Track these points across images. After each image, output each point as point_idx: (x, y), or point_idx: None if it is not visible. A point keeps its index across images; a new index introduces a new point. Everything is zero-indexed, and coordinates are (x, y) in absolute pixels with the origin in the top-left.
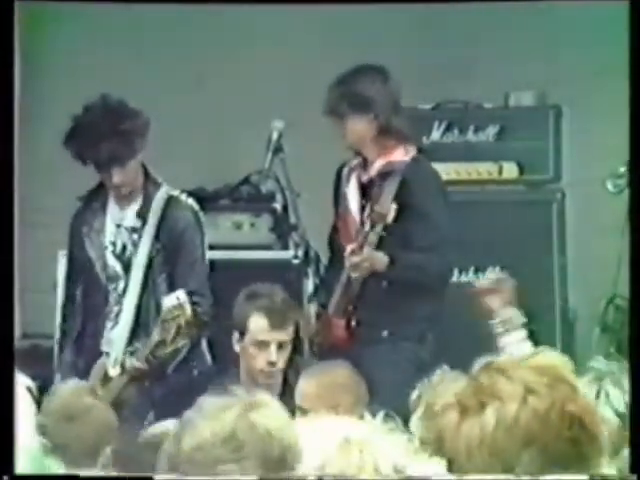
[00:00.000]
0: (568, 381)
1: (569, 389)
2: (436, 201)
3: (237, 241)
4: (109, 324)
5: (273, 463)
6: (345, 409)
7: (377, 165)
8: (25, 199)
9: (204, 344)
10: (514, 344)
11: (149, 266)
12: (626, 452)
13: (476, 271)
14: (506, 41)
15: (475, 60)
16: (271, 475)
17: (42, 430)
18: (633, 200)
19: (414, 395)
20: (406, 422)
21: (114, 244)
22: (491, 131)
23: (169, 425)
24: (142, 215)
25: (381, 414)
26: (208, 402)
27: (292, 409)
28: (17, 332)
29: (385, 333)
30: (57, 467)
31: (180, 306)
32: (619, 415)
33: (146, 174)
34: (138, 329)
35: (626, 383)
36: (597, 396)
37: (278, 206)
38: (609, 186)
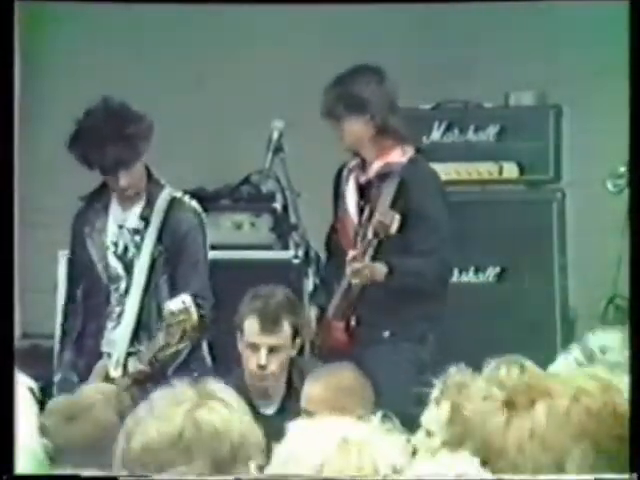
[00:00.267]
0: (619, 389)
1: (619, 394)
2: (435, 202)
3: (237, 241)
4: (110, 325)
5: (224, 461)
6: (351, 412)
7: (375, 166)
8: (25, 199)
9: (204, 346)
10: None
11: (151, 267)
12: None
13: (476, 271)
14: (506, 41)
15: (475, 60)
16: (224, 473)
17: (44, 431)
18: (633, 200)
19: (433, 394)
20: (406, 422)
21: (116, 245)
22: (491, 131)
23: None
24: (145, 217)
25: (379, 415)
26: (158, 398)
27: (297, 411)
28: (17, 332)
29: (386, 334)
30: (60, 468)
31: (186, 310)
32: None
33: (149, 175)
34: (140, 330)
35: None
36: None
37: (278, 206)
38: (609, 186)
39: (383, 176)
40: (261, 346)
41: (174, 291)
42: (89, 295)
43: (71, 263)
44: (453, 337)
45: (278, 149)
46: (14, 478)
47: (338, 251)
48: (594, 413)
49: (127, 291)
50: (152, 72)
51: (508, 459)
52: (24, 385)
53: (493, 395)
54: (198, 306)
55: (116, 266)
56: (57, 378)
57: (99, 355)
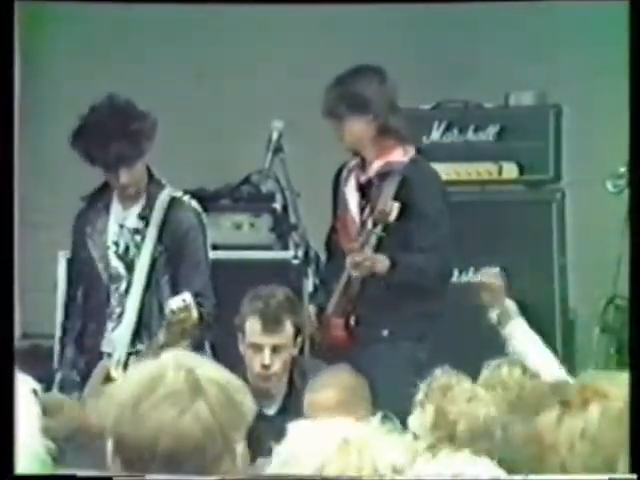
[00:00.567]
0: None
1: None
2: (435, 201)
3: (237, 241)
4: (111, 324)
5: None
6: (353, 414)
7: (376, 166)
8: (26, 199)
9: (207, 345)
10: (516, 333)
11: (152, 267)
12: None
13: (476, 271)
14: (506, 41)
15: (475, 60)
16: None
17: (47, 433)
18: (633, 200)
19: (418, 397)
20: (404, 422)
21: (117, 244)
22: (491, 131)
23: None
24: (144, 216)
25: (379, 415)
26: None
27: (298, 411)
28: (17, 332)
29: (385, 332)
30: (62, 469)
31: (186, 308)
32: None
33: (150, 175)
34: (141, 330)
35: None
36: None
37: (278, 206)
38: (609, 186)
39: (384, 175)
40: (264, 346)
41: (175, 291)
42: (90, 295)
43: (72, 263)
44: (452, 337)
45: (278, 149)
46: (14, 478)
47: (338, 251)
48: None
49: (128, 291)
50: (152, 72)
51: (559, 457)
52: (27, 386)
53: (479, 396)
54: (200, 305)
55: (117, 266)
56: (58, 378)
57: (100, 355)
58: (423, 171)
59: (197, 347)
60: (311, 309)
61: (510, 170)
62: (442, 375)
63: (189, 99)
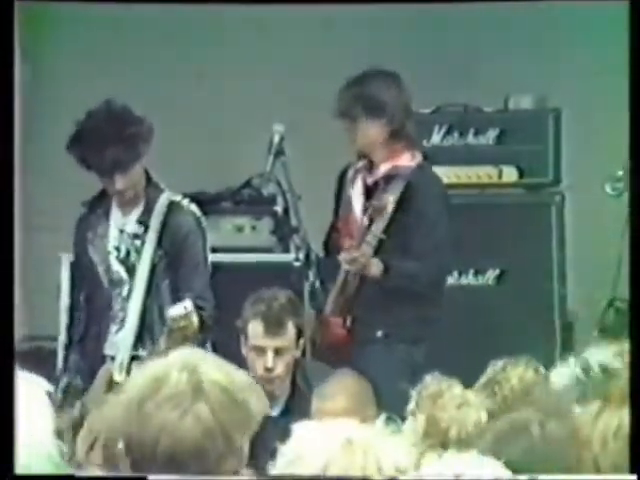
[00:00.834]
0: None
1: None
2: (437, 207)
3: (238, 244)
4: (114, 328)
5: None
6: (361, 417)
7: (383, 168)
8: (28, 201)
9: (208, 347)
10: None
11: (152, 271)
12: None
13: (476, 273)
14: (506, 43)
15: (475, 63)
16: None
17: (60, 434)
18: (633, 203)
19: (410, 406)
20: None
21: (118, 249)
22: (491, 134)
23: None
24: (143, 221)
25: (383, 417)
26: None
27: (302, 412)
28: (21, 334)
29: (379, 333)
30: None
31: (187, 316)
32: None
33: (148, 179)
34: (143, 333)
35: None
36: None
37: (279, 209)
38: (608, 189)
39: (390, 178)
40: (267, 349)
41: (176, 294)
42: (92, 299)
43: (74, 267)
44: (452, 339)
45: (279, 152)
46: (14, 478)
47: (337, 250)
48: None
49: (129, 295)
50: (152, 72)
51: (591, 452)
52: (41, 388)
53: (469, 401)
54: (200, 308)
55: (118, 270)
56: (62, 383)
57: (103, 358)
58: (428, 177)
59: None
60: (311, 311)
61: (510, 173)
62: (432, 382)
63: (190, 101)
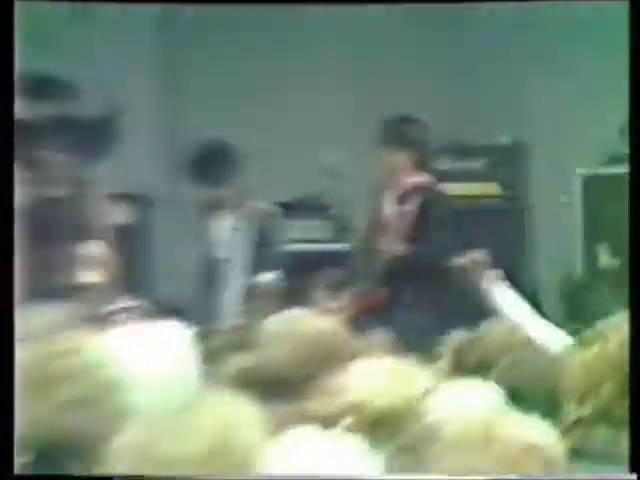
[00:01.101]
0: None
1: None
2: (447, 211)
3: (308, 237)
4: (224, 292)
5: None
6: None
7: (408, 184)
8: None
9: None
10: (505, 299)
11: (247, 255)
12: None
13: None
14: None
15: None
16: None
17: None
18: (633, 200)
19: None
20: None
21: (225, 238)
22: (480, 162)
23: None
24: (240, 220)
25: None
26: None
27: None
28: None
29: (409, 300)
30: None
31: (272, 283)
32: None
33: (241, 189)
34: (243, 300)
35: None
36: None
37: (336, 212)
38: (563, 199)
39: (413, 191)
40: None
41: (262, 270)
42: (208, 272)
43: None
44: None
45: (335, 172)
46: (14, 478)
47: (373, 244)
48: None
49: (233, 270)
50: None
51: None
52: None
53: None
54: (278, 282)
55: (227, 254)
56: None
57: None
58: (438, 190)
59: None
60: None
61: (492, 188)
62: (457, 335)
63: (270, 124)
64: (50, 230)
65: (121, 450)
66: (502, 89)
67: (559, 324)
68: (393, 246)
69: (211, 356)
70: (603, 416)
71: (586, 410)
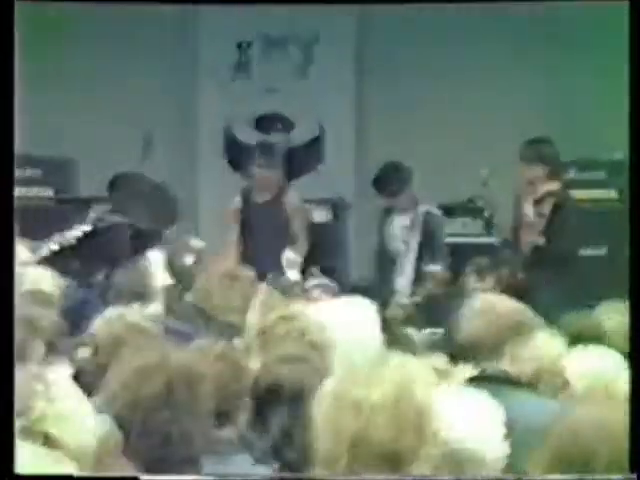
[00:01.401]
0: None
1: None
2: (575, 212)
3: (464, 232)
4: (400, 277)
5: None
6: None
7: (542, 190)
8: None
9: None
10: None
11: (417, 248)
12: None
13: None
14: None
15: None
16: None
17: None
18: (633, 202)
19: None
20: None
21: (398, 237)
22: (601, 172)
23: None
24: (412, 220)
25: None
26: None
27: None
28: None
29: (544, 282)
30: None
31: (438, 271)
32: None
33: (413, 197)
34: (415, 281)
35: None
36: None
37: (487, 214)
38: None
39: (547, 195)
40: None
41: (430, 260)
42: (387, 261)
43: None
44: None
45: (485, 183)
46: (14, 478)
47: (515, 238)
48: None
49: (407, 259)
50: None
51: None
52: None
53: None
54: (440, 269)
55: (402, 247)
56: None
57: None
58: (567, 196)
59: None
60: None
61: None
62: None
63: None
64: (258, 227)
65: (323, 395)
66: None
67: None
68: (532, 240)
69: (388, 326)
70: None
71: None
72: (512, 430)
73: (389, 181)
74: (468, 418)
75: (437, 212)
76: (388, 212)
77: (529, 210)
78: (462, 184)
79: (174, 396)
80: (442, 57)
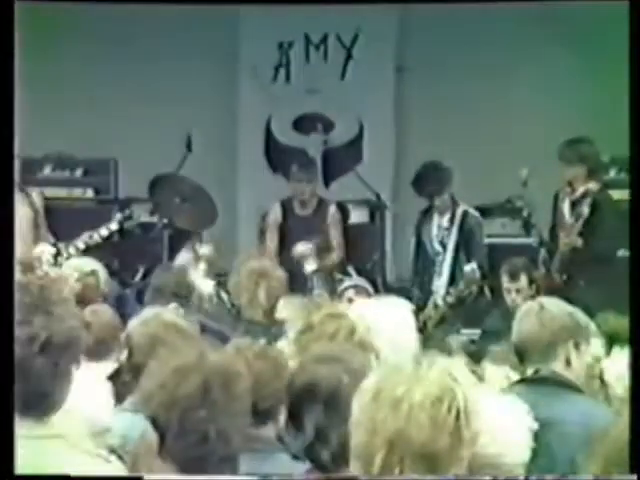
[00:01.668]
0: None
1: None
2: (613, 212)
3: (502, 232)
4: (437, 277)
5: None
6: None
7: (581, 190)
8: None
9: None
10: None
11: (455, 249)
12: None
13: None
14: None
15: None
16: None
17: None
18: (633, 202)
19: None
20: None
21: (437, 237)
22: None
23: None
24: (451, 221)
25: None
26: None
27: None
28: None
29: (581, 283)
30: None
31: (474, 272)
32: None
33: (453, 199)
34: (452, 282)
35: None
36: None
37: (525, 213)
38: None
39: (584, 195)
40: (511, 290)
41: (467, 260)
42: (425, 262)
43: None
44: None
45: (525, 184)
46: (14, 478)
47: (555, 239)
48: None
49: (444, 260)
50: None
51: None
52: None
53: None
54: (480, 267)
55: (439, 247)
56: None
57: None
58: (606, 195)
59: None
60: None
61: None
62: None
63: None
64: (298, 238)
65: (363, 393)
66: None
67: None
68: (569, 240)
69: (425, 326)
70: None
71: None
72: (562, 431)
73: (429, 181)
74: (494, 423)
75: (475, 213)
76: (427, 212)
77: (566, 210)
78: (501, 184)
79: (211, 395)
80: (482, 57)
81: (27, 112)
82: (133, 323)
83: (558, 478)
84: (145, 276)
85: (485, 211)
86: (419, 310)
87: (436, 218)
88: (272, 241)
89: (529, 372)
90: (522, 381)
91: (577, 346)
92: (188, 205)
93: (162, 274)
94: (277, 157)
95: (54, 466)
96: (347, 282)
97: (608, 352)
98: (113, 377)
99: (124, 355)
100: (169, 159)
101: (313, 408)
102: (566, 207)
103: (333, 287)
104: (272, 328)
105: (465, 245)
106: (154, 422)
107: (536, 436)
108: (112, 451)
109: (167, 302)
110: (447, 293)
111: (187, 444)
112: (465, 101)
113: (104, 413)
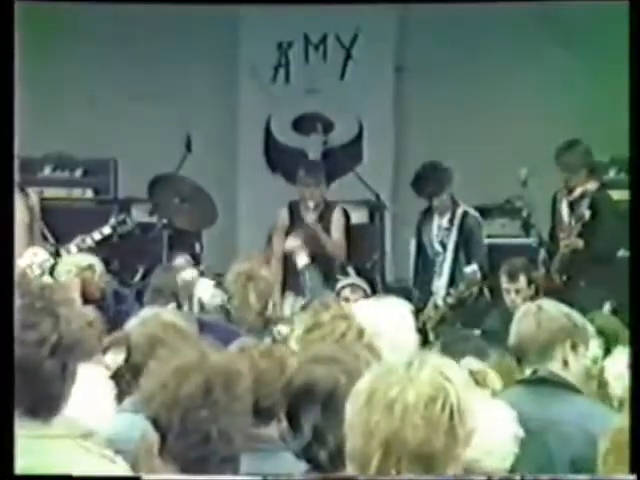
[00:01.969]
0: None
1: None
2: (613, 213)
3: (502, 233)
4: (437, 278)
5: None
6: None
7: (579, 191)
8: None
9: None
10: None
11: (455, 249)
12: None
13: None
14: None
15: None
16: None
17: None
18: (633, 201)
19: None
20: None
21: (438, 237)
22: None
23: None
24: (451, 221)
25: None
26: None
27: None
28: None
29: (582, 284)
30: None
31: (475, 273)
32: None
33: (452, 199)
34: (452, 283)
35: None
36: None
37: (525, 214)
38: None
39: (582, 196)
40: (511, 290)
41: (467, 261)
42: (425, 262)
43: (417, 247)
44: None
45: (524, 183)
46: (14, 478)
47: (554, 240)
48: None
49: (444, 260)
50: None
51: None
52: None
53: None
54: (481, 268)
55: (439, 248)
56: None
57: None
58: (605, 195)
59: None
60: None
61: None
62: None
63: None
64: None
65: (357, 394)
66: None
67: None
68: (569, 241)
69: (424, 326)
70: None
71: None
72: (560, 431)
73: (428, 182)
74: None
75: (475, 213)
76: (426, 213)
77: (565, 211)
78: (500, 184)
79: (213, 395)
80: (481, 57)
81: (27, 112)
82: (131, 323)
83: (553, 478)
84: (145, 276)
85: (485, 211)
86: (419, 311)
87: (436, 218)
88: (279, 245)
89: (527, 373)
90: (520, 382)
91: (574, 347)
92: (188, 205)
93: (162, 274)
94: (277, 157)
95: (59, 466)
96: (344, 281)
97: (606, 352)
98: (113, 377)
99: (123, 355)
100: (169, 159)
101: (310, 408)
102: (564, 208)
103: (328, 283)
104: (270, 328)
105: (465, 245)
106: (155, 422)
107: (522, 443)
108: (117, 452)
109: (167, 302)
110: (447, 294)
111: (188, 444)
112: (465, 101)
113: (104, 413)
